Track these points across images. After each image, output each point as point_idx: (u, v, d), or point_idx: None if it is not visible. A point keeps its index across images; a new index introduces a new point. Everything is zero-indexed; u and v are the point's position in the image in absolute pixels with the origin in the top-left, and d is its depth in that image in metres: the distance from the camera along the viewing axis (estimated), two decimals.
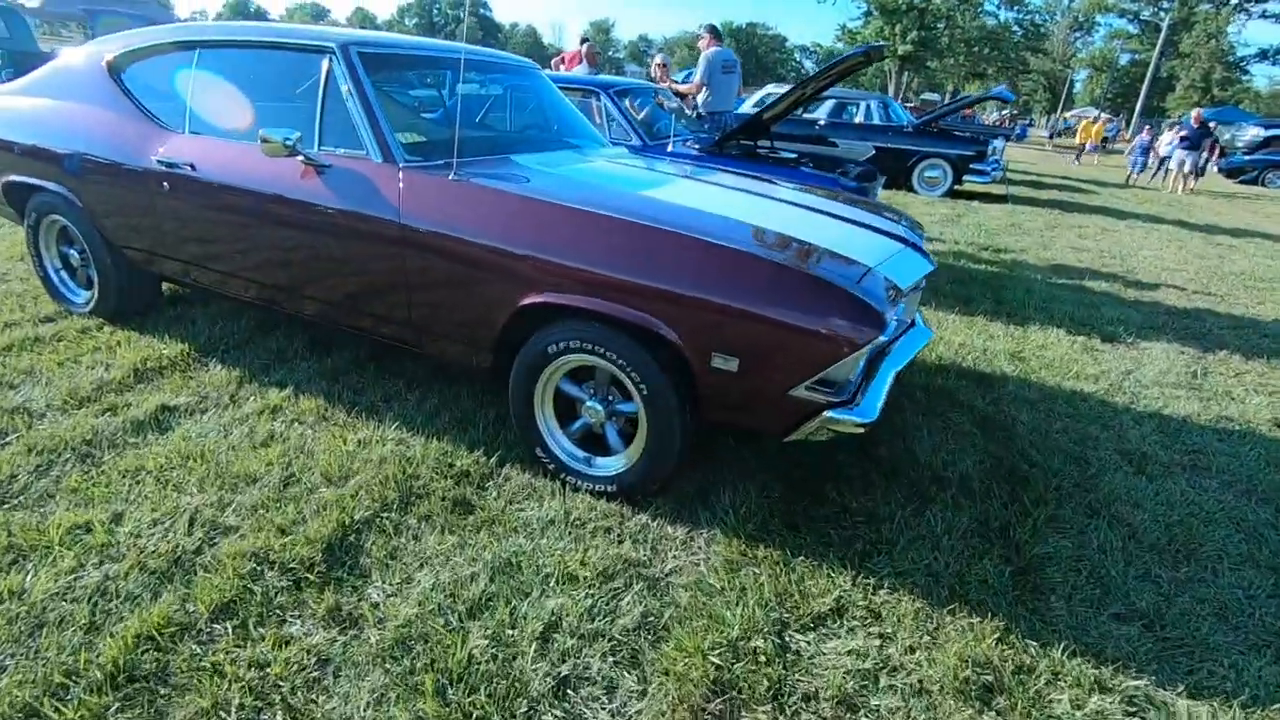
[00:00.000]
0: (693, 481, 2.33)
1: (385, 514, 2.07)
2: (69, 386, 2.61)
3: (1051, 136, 39.90)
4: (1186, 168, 13.47)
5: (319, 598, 1.74)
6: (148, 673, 1.50)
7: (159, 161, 2.67)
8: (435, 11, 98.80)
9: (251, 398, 2.67)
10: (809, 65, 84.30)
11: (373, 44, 2.53)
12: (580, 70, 7.14)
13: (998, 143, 11.28)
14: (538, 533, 2.04)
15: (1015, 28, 39.12)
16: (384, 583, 1.81)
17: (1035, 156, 22.53)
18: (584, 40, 8.61)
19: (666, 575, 1.92)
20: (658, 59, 7.48)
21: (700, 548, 2.04)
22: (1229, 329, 4.53)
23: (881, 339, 1.79)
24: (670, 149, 4.88)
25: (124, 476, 2.15)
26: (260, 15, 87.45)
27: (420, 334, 2.40)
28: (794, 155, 5.45)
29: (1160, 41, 34.49)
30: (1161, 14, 39.91)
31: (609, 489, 2.20)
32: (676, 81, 7.12)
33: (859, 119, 10.94)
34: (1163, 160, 14.99)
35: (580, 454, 2.27)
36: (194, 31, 2.81)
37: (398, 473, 2.24)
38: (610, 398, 2.19)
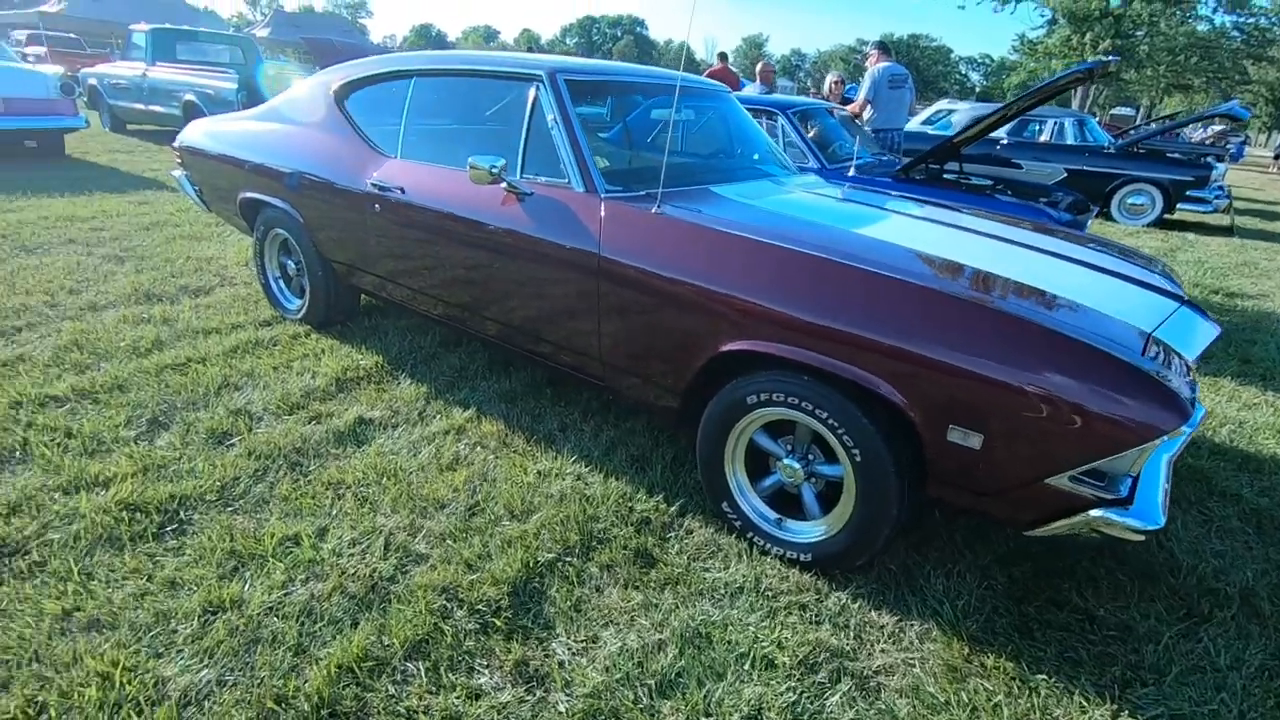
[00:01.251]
0: (895, 558, 2.06)
1: (568, 558, 1.99)
2: (282, 392, 2.80)
3: (1277, 157, 34.39)
4: None
5: (506, 647, 1.67)
6: (348, 710, 1.49)
7: (372, 184, 2.81)
8: (595, 31, 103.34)
9: (438, 415, 2.73)
10: (975, 78, 78.95)
11: (579, 71, 2.51)
12: (753, 90, 6.98)
13: (1221, 166, 9.79)
14: (726, 600, 1.87)
15: (1234, 33, 34.19)
16: (569, 638, 1.72)
17: (1260, 180, 19.49)
18: (722, 56, 8.49)
19: (875, 673, 1.67)
20: (832, 76, 7.16)
21: (912, 643, 1.77)
22: None
23: (1185, 430, 1.45)
24: (851, 173, 4.58)
25: (327, 489, 2.23)
26: (441, 38, 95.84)
27: (605, 368, 2.32)
28: (988, 182, 4.95)
29: None
30: None
31: (803, 557, 1.99)
32: (845, 102, 6.76)
33: (1045, 137, 9.92)
34: None
35: (770, 514, 2.08)
36: (410, 61, 2.94)
37: (579, 513, 2.16)
38: (811, 456, 1.98)
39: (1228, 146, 30.33)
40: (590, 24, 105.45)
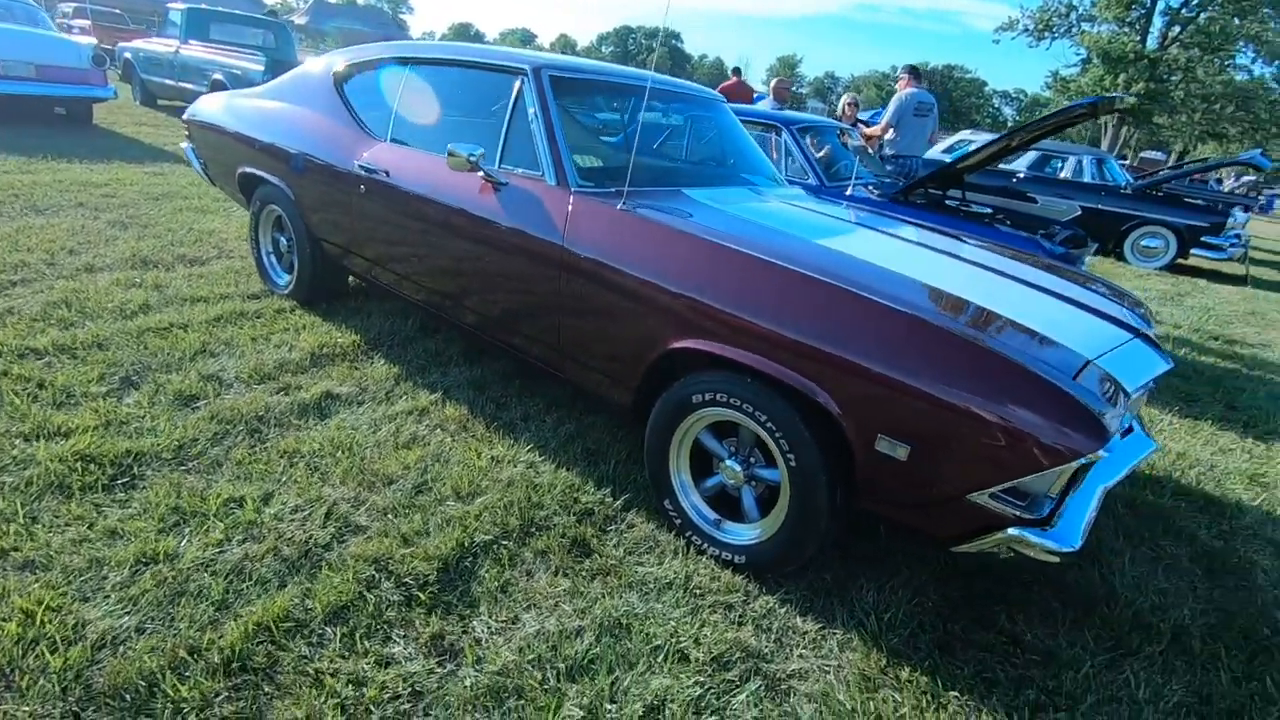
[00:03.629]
0: (832, 568, 2.06)
1: (504, 541, 2.01)
2: (256, 362, 2.86)
3: None
4: None
5: (426, 620, 1.70)
6: (258, 666, 1.52)
7: (360, 166, 2.87)
8: (631, 41, 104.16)
9: (404, 396, 2.77)
10: (1009, 112, 78.59)
11: (563, 68, 2.55)
12: (766, 105, 7.03)
13: (1239, 214, 9.68)
14: (653, 594, 1.88)
15: (1273, 84, 33.81)
16: (490, 618, 1.74)
17: None
18: (737, 71, 8.57)
19: (789, 677, 1.68)
20: (846, 98, 7.18)
21: (832, 650, 1.77)
22: None
23: (1102, 454, 1.45)
24: (849, 192, 4.60)
25: (282, 457, 2.27)
26: (479, 37, 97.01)
27: (565, 359, 2.35)
28: (989, 210, 4.95)
29: None
30: None
31: (736, 559, 2.00)
32: (864, 122, 6.79)
33: (1064, 174, 9.86)
34: None
35: (710, 515, 2.09)
36: (407, 49, 3.01)
37: (523, 499, 2.19)
38: (752, 459, 2.00)
39: (1258, 198, 29.99)
40: (627, 34, 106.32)
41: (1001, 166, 10.46)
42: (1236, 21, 30.72)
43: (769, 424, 1.84)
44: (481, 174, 2.42)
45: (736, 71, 9.31)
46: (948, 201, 5.06)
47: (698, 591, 1.92)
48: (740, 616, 1.84)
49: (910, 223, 2.90)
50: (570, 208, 2.23)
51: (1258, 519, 2.64)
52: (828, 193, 4.64)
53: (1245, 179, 35.90)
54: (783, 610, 1.89)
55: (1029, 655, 1.81)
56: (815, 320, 1.72)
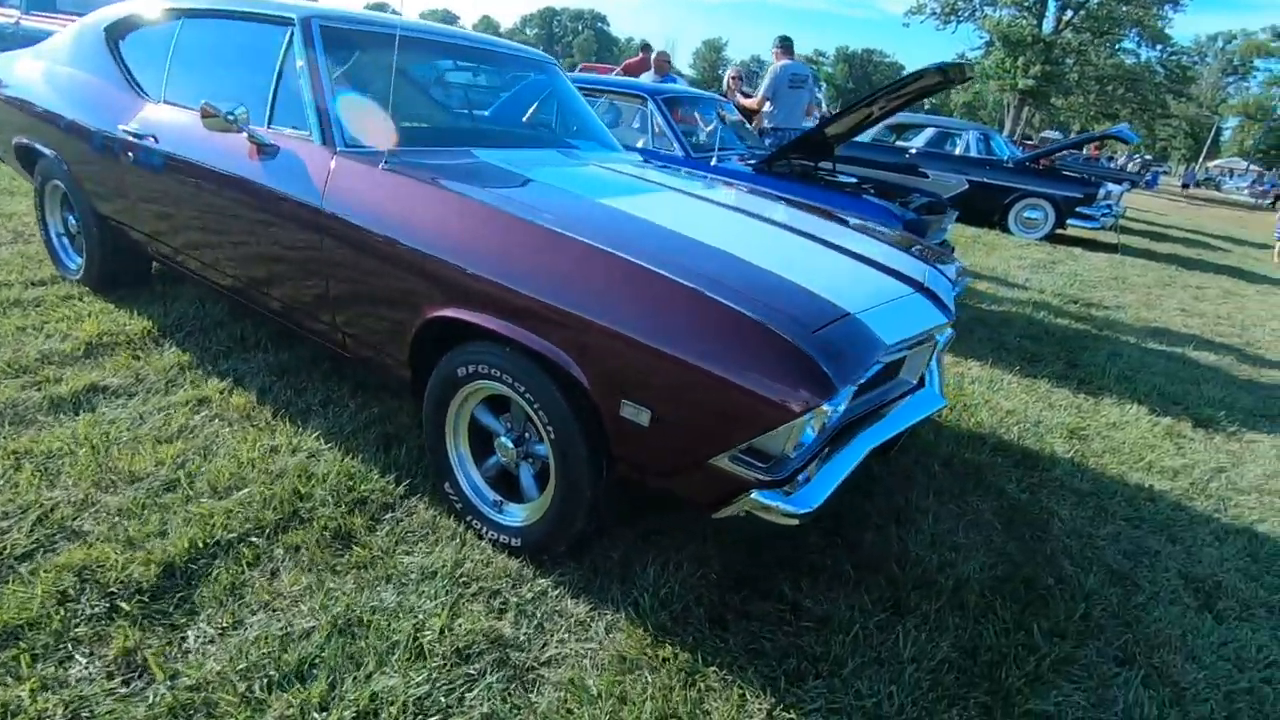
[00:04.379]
0: (622, 546, 1.96)
1: (253, 538, 1.81)
2: (13, 354, 2.53)
3: (1185, 186, 36.55)
4: None
5: (126, 633, 1.49)
6: None
7: (126, 130, 2.57)
8: (555, 23, 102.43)
9: (188, 385, 2.51)
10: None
11: (338, 18, 2.33)
12: (647, 78, 6.88)
13: (1112, 186, 10.21)
14: (412, 586, 1.73)
15: (1158, 68, 36.08)
16: (208, 624, 1.55)
17: (1167, 207, 20.57)
18: (645, 46, 8.42)
19: (540, 665, 1.56)
20: (730, 71, 7.12)
21: (597, 634, 1.66)
22: None
23: (826, 408, 1.37)
24: (714, 163, 4.52)
25: (8, 456, 2.00)
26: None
27: (345, 337, 2.16)
28: (854, 180, 4.97)
29: None
30: None
31: (513, 542, 1.86)
32: (746, 93, 6.74)
33: (959, 151, 10.16)
34: None
35: (491, 496, 1.95)
36: None
37: (289, 490, 1.99)
38: (527, 435, 1.86)
39: (1145, 174, 31.96)
40: (551, 16, 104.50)
41: (899, 143, 10.72)
42: (1124, 8, 32.60)
43: (528, 395, 1.70)
44: (245, 135, 2.18)
45: (645, 47, 9.09)
46: (817, 171, 5.07)
47: (464, 580, 1.77)
48: (504, 604, 1.71)
49: (738, 188, 2.81)
50: (332, 167, 2.03)
51: (1068, 471, 2.69)
52: (693, 164, 4.56)
53: (1137, 157, 38.24)
54: (555, 594, 1.76)
55: (803, 623, 1.75)
56: (555, 279, 1.59)
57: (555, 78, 3.13)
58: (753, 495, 1.45)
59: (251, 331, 2.97)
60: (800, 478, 1.49)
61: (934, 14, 33.80)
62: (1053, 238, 9.28)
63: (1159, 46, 34.97)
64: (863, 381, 1.61)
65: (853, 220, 2.66)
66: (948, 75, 4.34)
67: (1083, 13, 32.28)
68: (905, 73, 4.22)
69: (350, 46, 2.36)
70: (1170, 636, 1.86)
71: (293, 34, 2.24)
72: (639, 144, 4.79)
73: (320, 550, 1.80)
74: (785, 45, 6.01)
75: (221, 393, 2.49)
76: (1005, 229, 9.46)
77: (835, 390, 1.37)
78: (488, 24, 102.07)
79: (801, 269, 1.84)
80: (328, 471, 2.10)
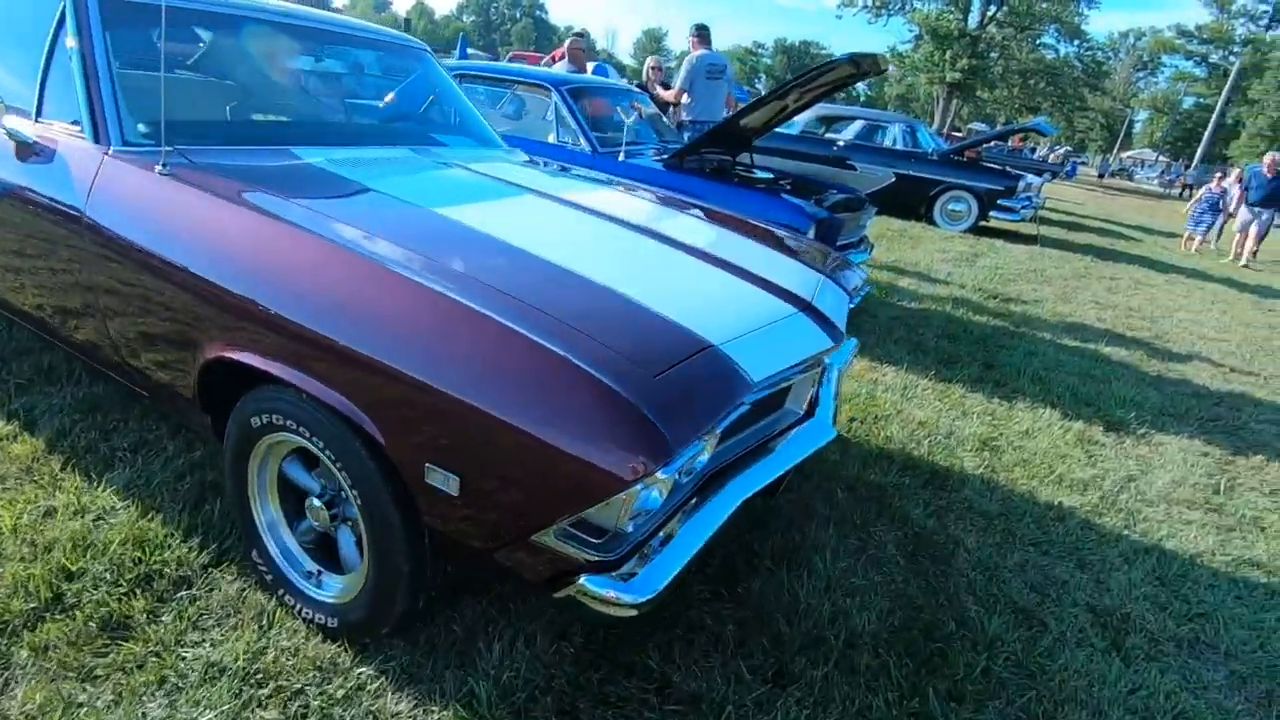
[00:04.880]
0: (469, 613, 1.67)
1: None
2: None
3: (1101, 176, 38.37)
4: (1255, 229, 9.89)
5: None
6: None
7: None
8: (493, 10, 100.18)
9: None
10: (860, 87, 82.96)
11: None
12: (561, 68, 6.54)
13: (1032, 178, 10.42)
14: (189, 691, 1.40)
15: (1075, 62, 37.65)
16: None
17: (1085, 196, 21.39)
18: (579, 35, 8.06)
19: None
20: (650, 60, 6.85)
21: None
22: (1269, 422, 3.71)
23: (662, 475, 1.12)
24: (622, 159, 4.24)
25: None
26: (323, 4, 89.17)
27: (133, 374, 1.79)
28: (771, 176, 4.78)
29: (1227, 87, 32.80)
30: (1231, 58, 38.15)
31: (330, 622, 1.55)
32: (664, 85, 6.48)
33: (888, 142, 10.16)
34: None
35: (307, 566, 1.63)
36: None
37: (54, 569, 1.63)
38: (343, 493, 1.55)
39: (1065, 165, 33.35)
40: (488, 3, 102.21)
41: (828, 136, 10.67)
42: (1043, 4, 33.84)
43: (329, 452, 1.40)
44: (2, 131, 1.79)
45: (579, 35, 8.68)
46: (735, 166, 4.86)
47: (259, 678, 1.45)
48: (304, 709, 1.40)
49: (624, 190, 2.54)
50: (100, 169, 1.66)
51: (977, 490, 2.54)
52: (600, 160, 4.27)
53: (1060, 148, 39.89)
54: (373, 687, 1.47)
55: (670, 705, 1.50)
56: (344, 313, 1.29)
57: (426, 65, 2.79)
58: (580, 581, 1.18)
59: (62, 361, 2.54)
60: (650, 548, 1.23)
61: (865, 7, 34.37)
62: (977, 229, 9.38)
63: (1077, 42, 36.51)
64: (728, 424, 1.37)
65: (748, 225, 2.43)
66: (860, 67, 4.17)
67: (1005, 8, 33.33)
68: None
69: (139, 23, 1.97)
70: (1076, 689, 1.69)
71: (65, 5, 1.85)
72: (549, 138, 4.48)
73: (78, 650, 1.45)
74: (702, 34, 5.77)
75: (5, 438, 2.08)
76: (931, 221, 9.52)
77: (672, 454, 1.12)
78: (421, 10, 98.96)
79: (664, 290, 1.59)
80: (112, 539, 1.74)
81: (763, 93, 5.39)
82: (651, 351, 1.29)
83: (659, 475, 1.10)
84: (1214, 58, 41.68)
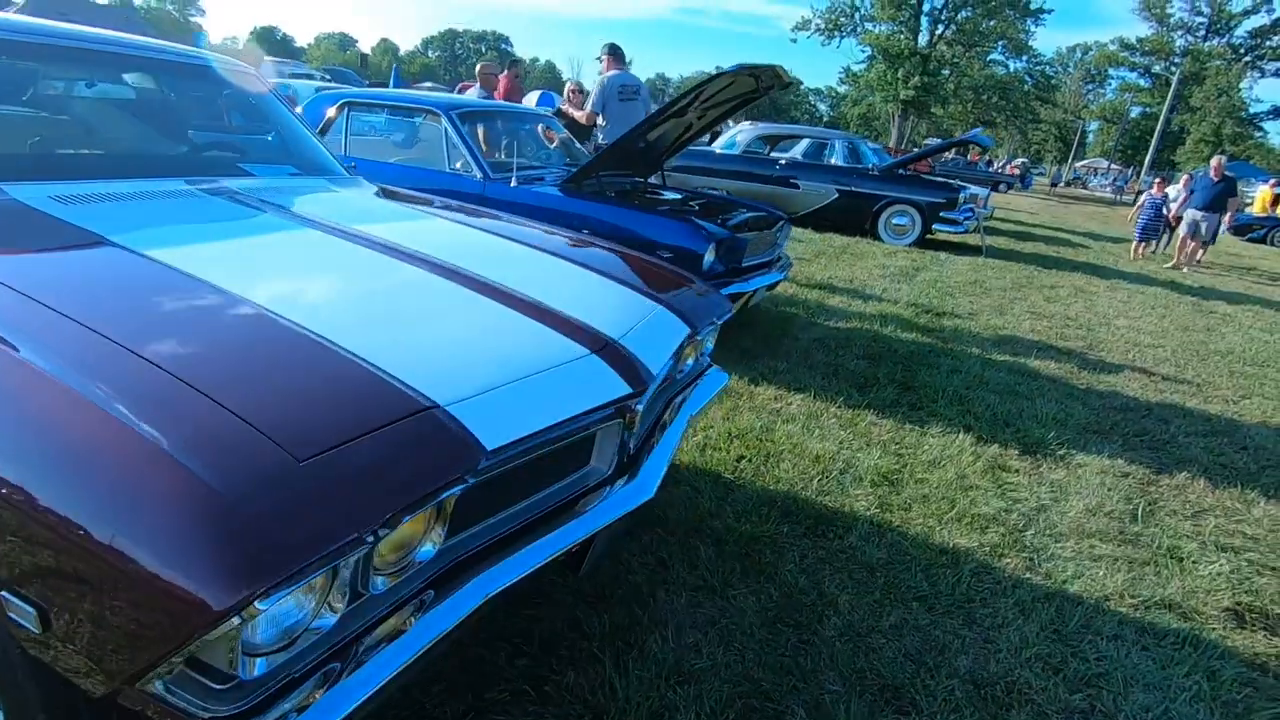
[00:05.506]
0: None
1: None
2: None
3: (1054, 185, 39.26)
4: (1204, 233, 9.86)
5: None
6: None
7: None
8: (458, 44, 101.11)
9: None
10: (823, 108, 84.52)
11: None
12: (473, 94, 6.33)
13: (976, 189, 10.41)
14: None
15: (1026, 77, 38.67)
16: None
17: (1038, 206, 21.69)
18: (514, 62, 7.87)
19: None
20: (570, 84, 6.68)
21: None
22: (1197, 435, 3.52)
23: (259, 607, 0.82)
24: (513, 184, 3.99)
25: None
26: (287, 43, 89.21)
27: None
28: (678, 196, 4.57)
29: (1170, 96, 33.82)
30: (1172, 68, 39.44)
31: None
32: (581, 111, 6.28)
33: (834, 160, 10.08)
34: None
35: None
36: None
37: None
38: None
39: (1022, 177, 34.04)
40: (453, 37, 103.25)
41: (773, 155, 10.57)
42: (989, 23, 34.80)
43: None
44: None
45: (513, 63, 8.43)
46: (644, 188, 4.65)
47: None
48: None
49: (446, 217, 2.26)
50: None
51: (864, 535, 2.27)
52: (491, 187, 4.03)
53: (1018, 160, 40.74)
54: None
55: None
56: None
57: (243, 87, 2.51)
58: None
59: None
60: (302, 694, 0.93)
61: (819, 30, 35.07)
62: (923, 243, 9.29)
63: (1024, 57, 37.55)
64: (470, 503, 1.09)
65: (595, 253, 2.19)
66: (760, 79, 4.01)
67: (954, 27, 34.22)
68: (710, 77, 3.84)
69: None
70: None
71: None
72: (445, 166, 4.23)
73: None
74: (614, 53, 5.60)
75: None
76: (877, 236, 9.42)
77: (279, 573, 0.82)
78: (386, 47, 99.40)
79: (405, 339, 1.31)
80: None
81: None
82: (325, 422, 1.01)
83: (256, 607, 0.80)
84: (1156, 68, 43.12)
